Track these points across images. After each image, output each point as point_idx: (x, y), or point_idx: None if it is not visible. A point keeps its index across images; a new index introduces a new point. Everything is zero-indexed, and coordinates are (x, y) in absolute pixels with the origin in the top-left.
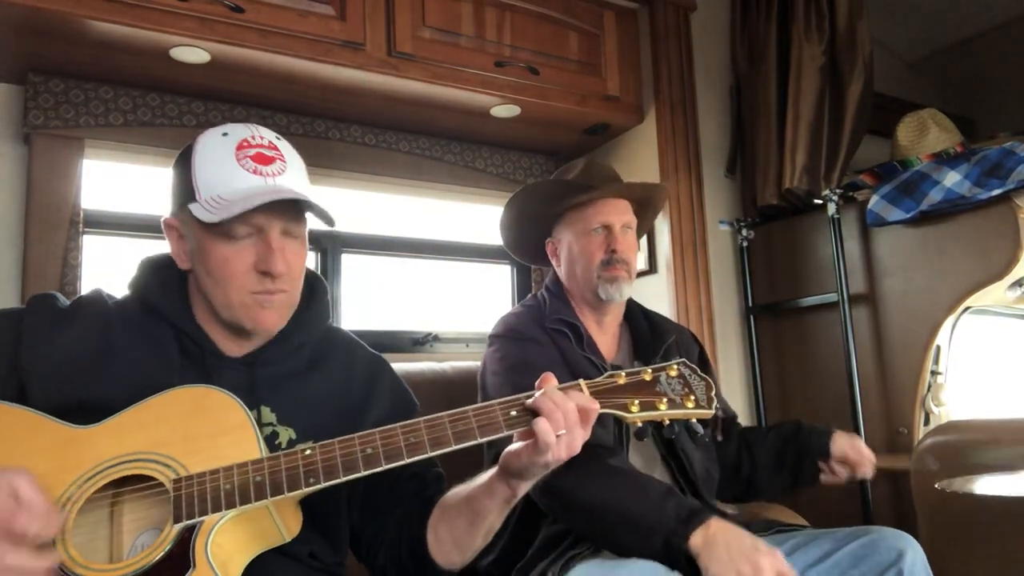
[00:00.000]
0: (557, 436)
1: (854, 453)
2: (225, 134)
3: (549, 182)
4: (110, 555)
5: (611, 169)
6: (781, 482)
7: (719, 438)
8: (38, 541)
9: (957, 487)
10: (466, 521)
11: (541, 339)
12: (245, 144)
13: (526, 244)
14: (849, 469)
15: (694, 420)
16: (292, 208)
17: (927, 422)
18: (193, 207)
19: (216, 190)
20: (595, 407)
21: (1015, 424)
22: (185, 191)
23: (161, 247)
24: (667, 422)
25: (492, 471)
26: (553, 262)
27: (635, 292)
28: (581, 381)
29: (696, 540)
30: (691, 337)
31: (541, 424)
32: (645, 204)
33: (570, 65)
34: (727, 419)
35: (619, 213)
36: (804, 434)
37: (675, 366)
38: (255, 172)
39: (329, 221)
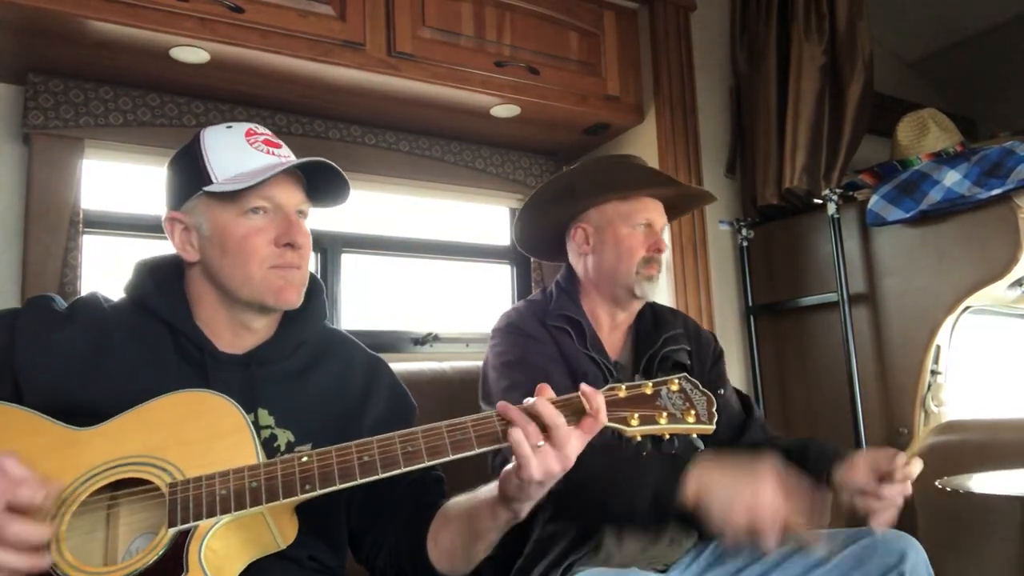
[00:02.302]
0: (538, 447)
1: (880, 466)
2: (229, 126)
3: (621, 162)
4: (104, 558)
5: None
6: None
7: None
8: (39, 514)
9: (957, 486)
10: (467, 539)
11: (539, 336)
12: (252, 132)
13: (543, 231)
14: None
15: (694, 435)
16: (303, 190)
17: (927, 422)
18: (211, 188)
19: (235, 169)
20: (601, 419)
21: (1015, 424)
22: (194, 180)
23: (161, 247)
24: (667, 436)
25: (494, 494)
26: (577, 248)
27: None
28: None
29: (689, 484)
30: (710, 336)
31: (514, 434)
32: (674, 211)
33: (570, 65)
34: (745, 405)
35: (660, 213)
36: (807, 452)
37: (677, 380)
38: (269, 153)
39: (346, 190)
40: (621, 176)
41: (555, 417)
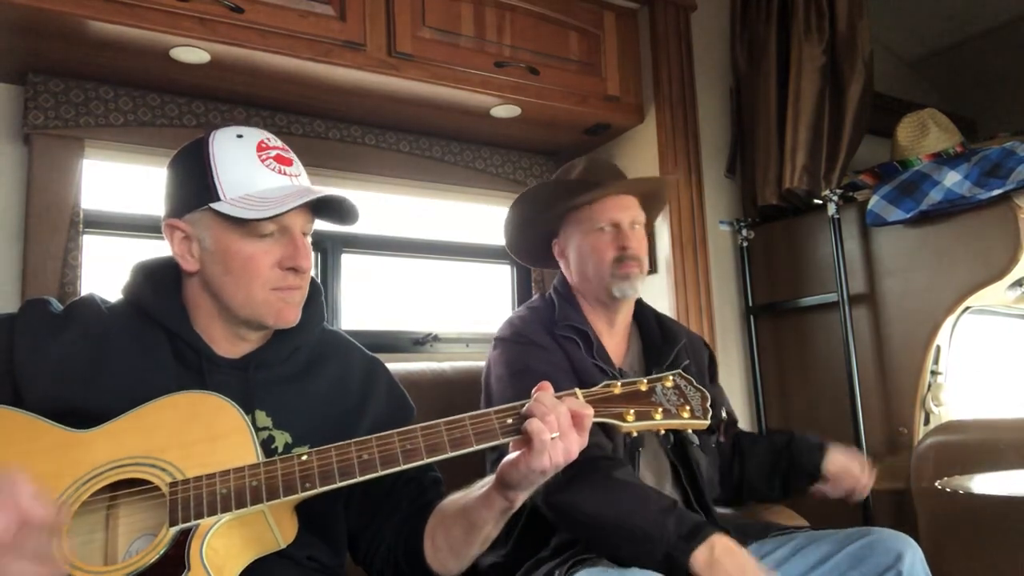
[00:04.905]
0: (552, 439)
1: (850, 475)
2: (240, 136)
3: (550, 183)
4: (105, 558)
5: (613, 166)
6: (770, 492)
7: (721, 439)
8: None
9: (957, 487)
10: (463, 531)
11: (547, 344)
12: (263, 146)
13: (530, 247)
14: (845, 490)
15: (689, 431)
16: (310, 210)
17: (927, 422)
18: (218, 206)
19: (244, 189)
20: (588, 411)
21: (1015, 424)
22: (200, 192)
23: (161, 247)
24: (662, 432)
25: (489, 482)
26: (560, 263)
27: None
28: (576, 390)
29: (699, 560)
30: (701, 342)
31: (534, 424)
32: (652, 198)
33: (570, 65)
34: (729, 422)
35: (626, 209)
36: (796, 448)
37: (671, 377)
38: (280, 172)
39: (355, 216)
40: (570, 186)
41: (584, 407)
